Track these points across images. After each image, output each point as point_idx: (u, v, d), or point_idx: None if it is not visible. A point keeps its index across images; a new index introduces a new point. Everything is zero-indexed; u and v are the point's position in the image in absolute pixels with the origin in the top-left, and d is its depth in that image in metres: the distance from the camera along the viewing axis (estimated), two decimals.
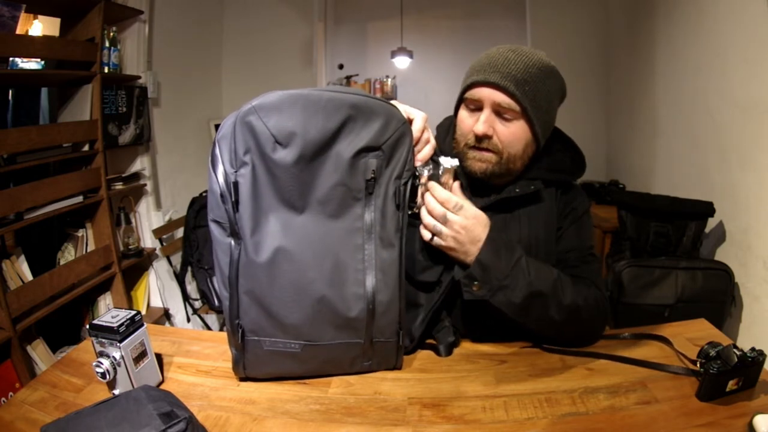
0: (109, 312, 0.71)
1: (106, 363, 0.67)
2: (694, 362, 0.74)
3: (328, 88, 0.69)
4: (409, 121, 0.74)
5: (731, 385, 0.68)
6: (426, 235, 0.78)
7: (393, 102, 0.73)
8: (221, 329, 2.50)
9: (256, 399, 0.72)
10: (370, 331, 0.73)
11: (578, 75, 2.94)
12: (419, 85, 4.39)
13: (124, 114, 2.07)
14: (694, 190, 2.07)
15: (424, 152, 0.76)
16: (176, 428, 0.56)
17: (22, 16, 1.58)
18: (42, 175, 1.70)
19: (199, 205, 2.38)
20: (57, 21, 1.91)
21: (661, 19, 2.42)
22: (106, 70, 1.94)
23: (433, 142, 0.78)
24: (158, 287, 2.36)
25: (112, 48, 1.98)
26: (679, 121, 2.30)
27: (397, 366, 0.79)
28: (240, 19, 3.09)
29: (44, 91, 1.73)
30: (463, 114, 0.86)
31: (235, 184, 0.67)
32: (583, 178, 0.94)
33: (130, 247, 2.16)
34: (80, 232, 1.95)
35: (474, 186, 0.88)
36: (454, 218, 0.76)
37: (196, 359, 0.83)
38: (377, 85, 4.34)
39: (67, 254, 1.92)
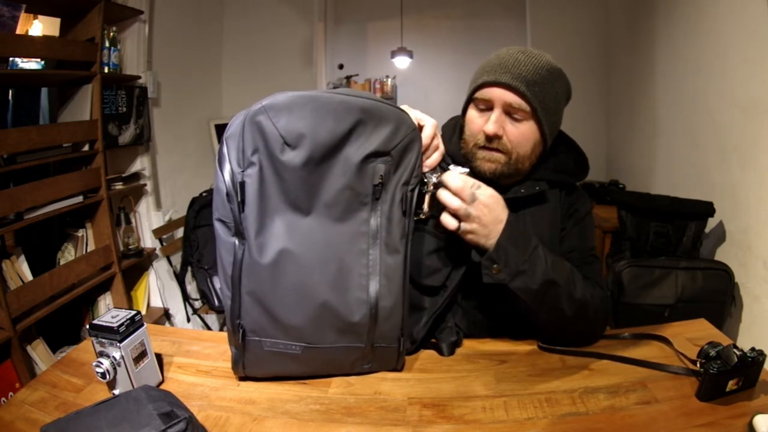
0: (109, 312, 0.71)
1: (106, 363, 0.67)
2: (694, 362, 0.74)
3: (340, 91, 0.68)
4: (420, 128, 0.74)
5: (731, 385, 0.68)
6: (452, 223, 0.74)
7: (404, 107, 0.73)
8: (221, 329, 2.50)
9: (256, 399, 0.72)
10: (372, 336, 0.73)
11: (578, 75, 2.91)
12: (419, 85, 4.40)
13: (124, 114, 2.07)
14: (694, 190, 2.06)
15: (433, 159, 0.76)
16: (176, 428, 0.56)
17: (22, 16, 1.58)
18: (42, 175, 1.70)
19: (199, 205, 2.37)
20: (57, 21, 1.91)
21: (661, 19, 2.42)
22: (106, 70, 1.94)
23: (442, 148, 0.78)
24: (158, 287, 2.36)
25: (112, 48, 1.98)
26: (679, 121, 2.30)
27: (397, 368, 0.79)
28: (240, 19, 3.08)
29: (44, 91, 1.73)
30: (473, 114, 0.86)
31: (242, 183, 0.67)
32: None
33: (130, 247, 2.16)
34: (80, 232, 1.95)
35: None
36: (480, 197, 0.73)
37: (196, 359, 0.83)
38: (377, 85, 4.34)
39: (67, 254, 1.92)
